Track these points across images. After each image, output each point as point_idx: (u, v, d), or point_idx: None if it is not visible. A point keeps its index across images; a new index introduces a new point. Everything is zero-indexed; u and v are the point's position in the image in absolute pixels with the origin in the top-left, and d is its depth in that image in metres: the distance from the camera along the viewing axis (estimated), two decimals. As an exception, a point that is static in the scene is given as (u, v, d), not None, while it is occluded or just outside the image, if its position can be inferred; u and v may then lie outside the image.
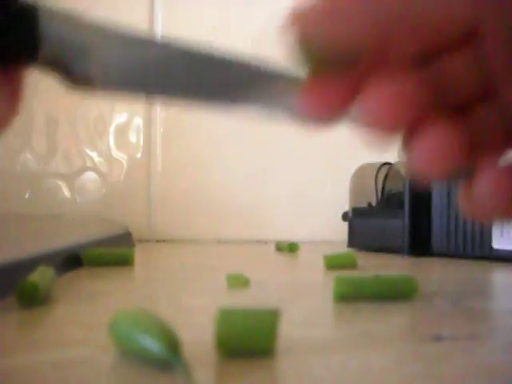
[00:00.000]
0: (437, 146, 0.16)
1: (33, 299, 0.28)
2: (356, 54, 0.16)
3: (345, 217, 0.62)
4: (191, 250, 0.63)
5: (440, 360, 0.20)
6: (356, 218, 0.61)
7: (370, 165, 0.62)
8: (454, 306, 0.29)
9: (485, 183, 0.17)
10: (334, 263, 0.43)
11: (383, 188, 0.59)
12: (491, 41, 0.17)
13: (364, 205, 0.61)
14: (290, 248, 0.57)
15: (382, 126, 0.16)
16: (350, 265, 0.44)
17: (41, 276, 0.29)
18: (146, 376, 0.18)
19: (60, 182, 0.74)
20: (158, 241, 0.73)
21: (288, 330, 0.23)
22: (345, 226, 0.62)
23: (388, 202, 0.59)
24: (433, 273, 0.45)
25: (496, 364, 0.20)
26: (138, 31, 0.17)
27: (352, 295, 0.30)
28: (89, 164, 0.74)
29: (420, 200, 0.54)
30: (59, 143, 0.74)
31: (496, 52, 0.17)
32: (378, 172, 0.60)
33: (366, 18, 0.16)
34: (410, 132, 0.17)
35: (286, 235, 0.70)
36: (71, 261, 0.42)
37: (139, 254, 0.49)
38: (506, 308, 0.31)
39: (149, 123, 0.74)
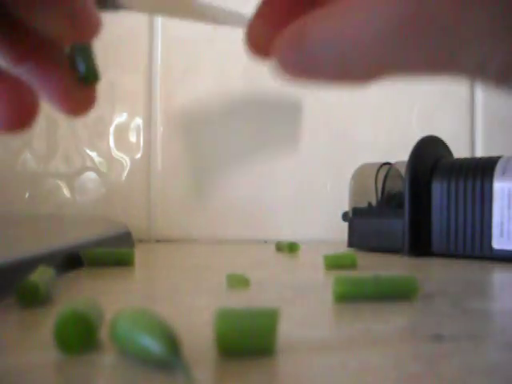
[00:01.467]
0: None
1: (33, 299, 0.28)
2: None
3: (345, 217, 0.62)
4: (191, 250, 0.63)
5: (440, 360, 0.20)
6: (356, 217, 0.61)
7: (370, 165, 0.61)
8: (454, 306, 0.29)
9: None
10: (333, 263, 0.43)
11: (383, 188, 0.59)
12: None
13: (364, 205, 0.61)
14: (290, 248, 0.57)
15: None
16: (350, 265, 0.44)
17: (41, 276, 0.29)
18: (146, 376, 0.18)
19: (60, 182, 0.74)
20: (157, 241, 0.73)
21: (288, 330, 0.23)
22: (345, 225, 0.62)
23: (388, 201, 0.59)
24: (433, 273, 0.45)
25: (496, 364, 0.20)
26: None
27: (352, 295, 0.30)
28: (89, 164, 0.74)
29: (420, 200, 0.54)
30: (59, 143, 0.74)
31: None
32: (377, 172, 0.60)
33: None
34: None
35: (286, 235, 0.70)
36: (71, 261, 0.42)
37: (139, 254, 0.49)
38: (506, 308, 0.31)
39: (149, 123, 0.74)
